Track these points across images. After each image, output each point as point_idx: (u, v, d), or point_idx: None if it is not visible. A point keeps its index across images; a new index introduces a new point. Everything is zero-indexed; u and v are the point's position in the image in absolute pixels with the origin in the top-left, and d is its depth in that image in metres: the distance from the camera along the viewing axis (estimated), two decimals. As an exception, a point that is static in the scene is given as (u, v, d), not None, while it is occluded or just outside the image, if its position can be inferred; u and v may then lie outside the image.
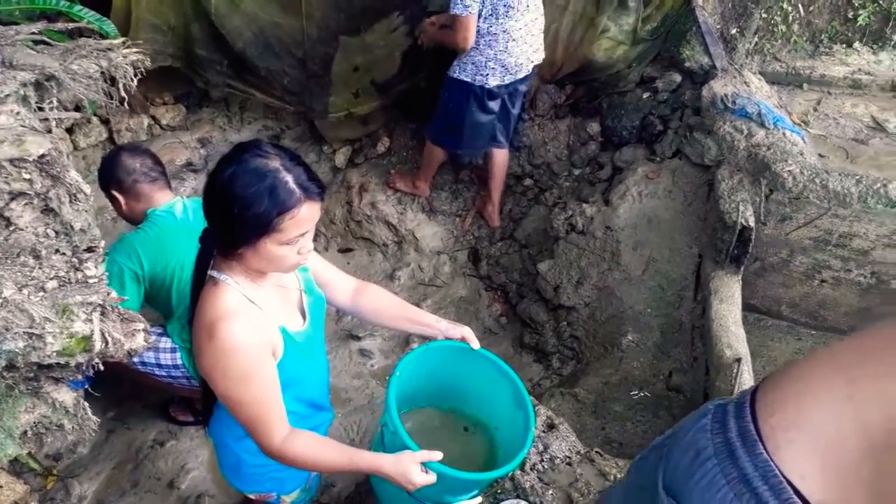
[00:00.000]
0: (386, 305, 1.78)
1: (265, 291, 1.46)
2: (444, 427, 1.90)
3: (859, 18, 3.74)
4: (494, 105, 3.28)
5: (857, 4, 3.73)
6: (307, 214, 1.32)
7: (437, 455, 1.48)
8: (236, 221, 1.28)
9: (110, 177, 2.27)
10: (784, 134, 3.06)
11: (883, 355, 0.81)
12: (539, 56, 3.26)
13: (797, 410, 0.83)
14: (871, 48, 3.79)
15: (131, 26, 2.84)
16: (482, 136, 3.46)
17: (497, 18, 2.99)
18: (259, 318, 1.39)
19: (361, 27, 3.33)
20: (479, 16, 2.98)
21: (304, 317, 1.58)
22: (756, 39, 3.62)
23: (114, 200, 2.32)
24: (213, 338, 1.31)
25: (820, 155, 3.17)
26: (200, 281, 1.42)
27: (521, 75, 3.20)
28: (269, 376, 1.39)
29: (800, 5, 3.66)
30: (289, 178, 1.29)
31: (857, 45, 3.79)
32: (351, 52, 3.39)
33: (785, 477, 0.80)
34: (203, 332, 1.33)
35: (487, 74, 3.12)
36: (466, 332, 1.71)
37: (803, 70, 3.65)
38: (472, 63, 3.12)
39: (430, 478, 1.46)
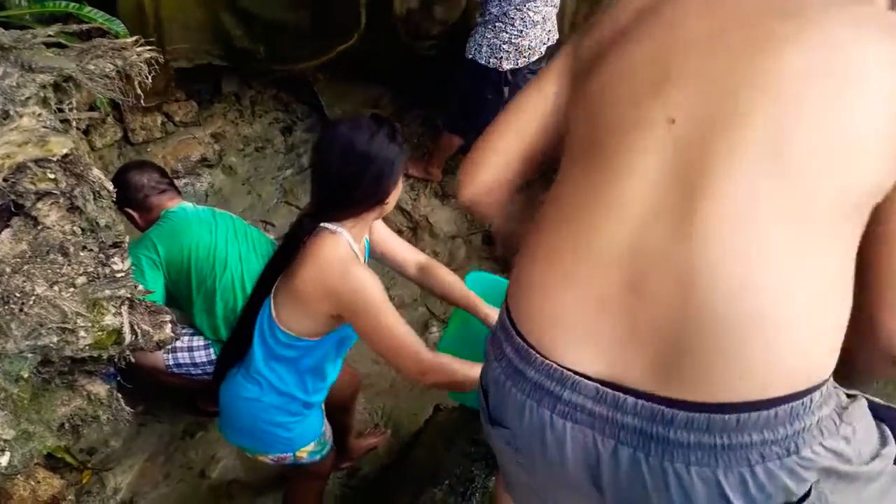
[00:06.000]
0: (456, 289, 2.02)
1: (359, 247, 1.65)
2: None
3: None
4: (507, 91, 3.28)
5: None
6: None
7: None
8: (387, 173, 1.54)
9: (122, 196, 2.33)
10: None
11: (564, 241, 0.94)
12: (553, 37, 3.24)
13: (544, 312, 0.94)
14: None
15: (163, 29, 2.87)
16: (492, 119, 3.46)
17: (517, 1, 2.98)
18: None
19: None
20: None
21: None
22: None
23: (129, 216, 2.41)
24: (348, 276, 1.50)
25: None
26: (294, 243, 1.59)
27: (533, 58, 3.18)
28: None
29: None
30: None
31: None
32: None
33: (566, 367, 0.89)
34: (335, 272, 1.51)
35: (501, 57, 3.10)
36: None
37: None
38: (488, 45, 3.11)
39: None
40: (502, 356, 0.98)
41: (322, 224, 1.56)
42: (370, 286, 1.50)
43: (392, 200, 1.63)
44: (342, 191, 1.54)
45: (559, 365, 0.89)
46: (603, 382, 0.86)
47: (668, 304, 0.82)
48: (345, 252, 1.54)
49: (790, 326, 0.79)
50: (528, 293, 0.98)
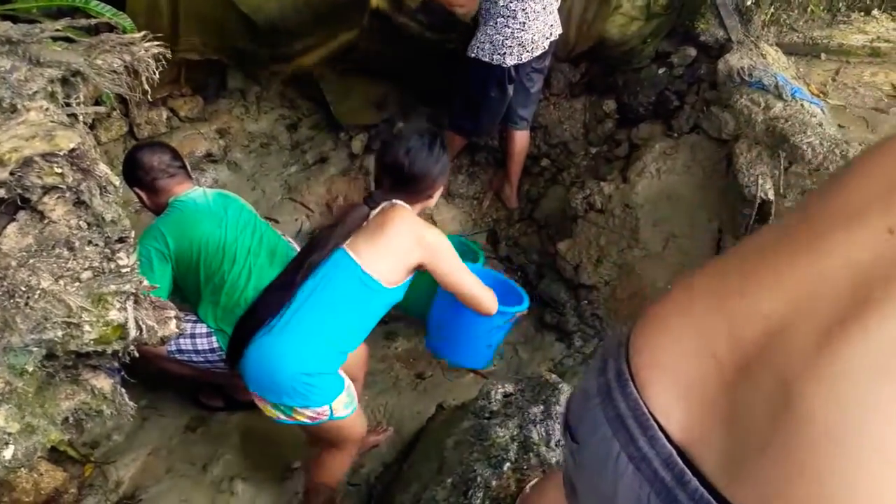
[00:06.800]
0: None
1: None
2: None
3: (878, -15, 3.69)
4: (511, 88, 3.28)
5: (875, -30, 3.67)
6: None
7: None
8: (440, 175, 2.07)
9: (131, 174, 2.39)
10: (802, 105, 3.03)
11: (716, 288, 0.87)
12: (556, 31, 3.23)
13: (657, 349, 0.87)
14: (891, 15, 3.73)
15: (179, 18, 2.92)
16: (496, 118, 3.46)
17: None
18: None
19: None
20: None
21: None
22: (772, 10, 3.57)
23: (138, 196, 2.45)
24: (431, 228, 2.00)
25: (840, 125, 3.14)
26: (363, 211, 1.99)
27: (536, 52, 3.17)
28: None
29: (816, -27, 3.61)
30: None
31: (875, 12, 3.73)
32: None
33: (651, 414, 0.83)
34: (422, 226, 1.99)
35: (505, 53, 3.10)
36: None
37: (821, 40, 3.61)
38: (490, 42, 3.11)
39: None
40: (604, 372, 0.93)
41: (393, 200, 2.00)
42: (445, 239, 2.00)
43: (436, 196, 2.13)
44: (408, 184, 2.01)
45: (647, 407, 0.84)
46: (678, 449, 0.81)
47: (768, 401, 0.74)
48: (416, 216, 2.02)
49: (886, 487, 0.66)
50: (655, 317, 0.92)
